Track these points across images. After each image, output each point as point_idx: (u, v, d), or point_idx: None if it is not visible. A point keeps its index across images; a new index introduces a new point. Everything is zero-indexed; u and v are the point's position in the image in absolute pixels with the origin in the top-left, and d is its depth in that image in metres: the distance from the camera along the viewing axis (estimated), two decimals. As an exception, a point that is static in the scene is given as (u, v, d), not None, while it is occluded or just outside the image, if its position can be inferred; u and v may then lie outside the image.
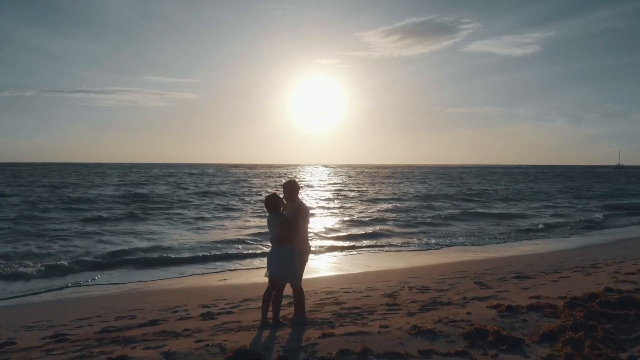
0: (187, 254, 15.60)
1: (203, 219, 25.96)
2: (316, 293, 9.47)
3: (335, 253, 16.63)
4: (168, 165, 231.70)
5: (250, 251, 16.34)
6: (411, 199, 40.16)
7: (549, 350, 5.20)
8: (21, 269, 13.05)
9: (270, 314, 6.43)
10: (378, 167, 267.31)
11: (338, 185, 64.17)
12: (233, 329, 6.46)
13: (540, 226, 23.76)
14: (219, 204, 34.38)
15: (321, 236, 20.06)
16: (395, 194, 46.94)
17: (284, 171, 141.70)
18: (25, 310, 9.62)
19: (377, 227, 23.00)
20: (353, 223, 24.42)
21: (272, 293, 6.41)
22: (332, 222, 25.00)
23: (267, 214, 6.59)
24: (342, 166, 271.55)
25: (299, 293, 6.55)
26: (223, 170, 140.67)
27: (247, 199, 39.90)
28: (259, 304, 6.97)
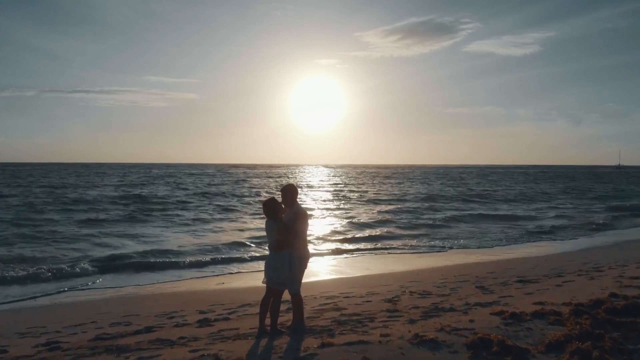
0: (185, 257, 15.42)
1: (202, 220, 25.80)
2: (315, 298, 9.31)
3: (335, 256, 16.47)
4: (168, 165, 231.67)
5: (249, 254, 16.19)
6: (412, 200, 40.00)
7: (555, 361, 5.03)
8: (17, 273, 12.89)
9: (268, 321, 6.27)
10: (378, 167, 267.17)
11: (338, 185, 64.04)
12: (230, 337, 6.29)
13: (547, 228, 23.44)
14: (219, 205, 34.25)
15: (321, 238, 19.89)
16: (395, 194, 46.77)
17: (284, 171, 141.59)
18: (19, 316, 9.46)
19: (378, 229, 22.85)
20: (353, 225, 24.25)
21: (270, 300, 6.25)
22: (332, 223, 24.84)
23: (266, 219, 6.43)
24: (342, 166, 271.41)
25: (297, 300, 6.39)
26: (223, 170, 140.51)
27: (246, 199, 39.75)
28: (257, 309, 6.82)
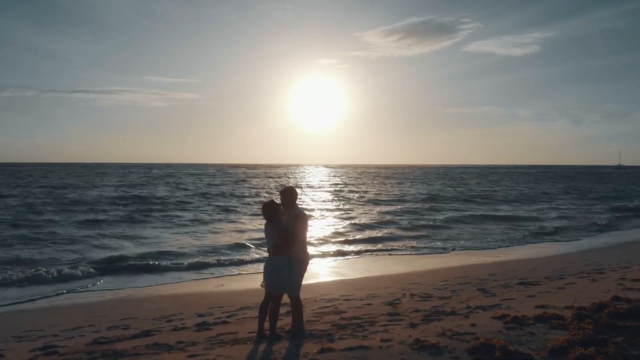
0: (184, 259, 15.34)
1: (202, 221, 25.71)
2: (315, 301, 9.23)
3: (336, 257, 16.38)
4: (168, 165, 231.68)
5: (248, 256, 16.12)
6: (413, 200, 39.92)
7: (558, 367, 4.95)
8: (15, 275, 12.82)
9: (267, 325, 6.19)
10: (378, 167, 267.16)
11: (339, 186, 63.96)
12: (228, 341, 6.21)
13: (549, 229, 23.27)
14: (218, 206, 34.16)
15: (321, 239, 19.79)
16: (396, 195, 46.69)
17: (284, 171, 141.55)
18: (17, 319, 9.39)
19: (379, 230, 22.78)
20: (354, 226, 24.15)
21: (269, 304, 6.17)
22: (332, 224, 24.77)
23: (265, 222, 6.36)
24: (342, 166, 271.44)
25: (297, 303, 6.32)
26: (223, 170, 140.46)
27: (246, 200, 39.67)
28: (256, 312, 6.75)
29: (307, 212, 6.65)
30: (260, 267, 13.21)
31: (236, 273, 13.92)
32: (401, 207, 34.34)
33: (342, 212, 30.88)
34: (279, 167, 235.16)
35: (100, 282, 12.66)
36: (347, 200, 41.16)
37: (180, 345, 6.17)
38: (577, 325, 6.17)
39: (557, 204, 38.67)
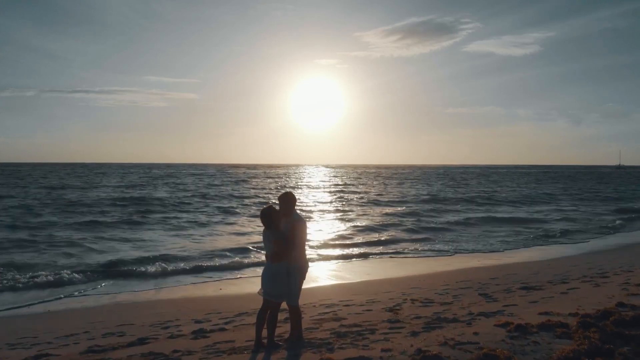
0: (183, 262, 15.18)
1: (201, 223, 25.52)
2: (314, 306, 9.09)
3: (336, 260, 16.23)
4: (168, 165, 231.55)
5: (248, 259, 15.96)
6: (414, 202, 39.75)
7: (564, 379, 4.80)
8: (12, 280, 12.67)
9: (265, 333, 6.05)
10: (378, 167, 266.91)
11: (339, 186, 63.80)
12: (225, 350, 6.07)
13: (553, 232, 22.96)
14: (218, 207, 33.98)
15: (321, 242, 19.64)
16: (397, 196, 46.54)
17: (284, 171, 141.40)
18: (12, 325, 9.24)
19: (380, 233, 22.62)
20: (354, 228, 23.97)
21: (267, 312, 6.03)
22: (333, 227, 24.62)
23: (263, 228, 6.21)
24: (342, 166, 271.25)
25: (295, 311, 6.18)
26: (223, 170, 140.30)
27: (246, 201, 39.52)
28: (254, 319, 6.61)
29: (307, 215, 6.50)
30: (260, 270, 13.04)
31: (235, 277, 13.76)
32: (402, 208, 34.16)
33: (343, 214, 30.66)
34: (279, 167, 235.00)
35: (97, 287, 12.50)
36: (348, 201, 40.99)
37: (176, 355, 6.03)
38: (582, 334, 6.02)
39: (559, 205, 38.48)
